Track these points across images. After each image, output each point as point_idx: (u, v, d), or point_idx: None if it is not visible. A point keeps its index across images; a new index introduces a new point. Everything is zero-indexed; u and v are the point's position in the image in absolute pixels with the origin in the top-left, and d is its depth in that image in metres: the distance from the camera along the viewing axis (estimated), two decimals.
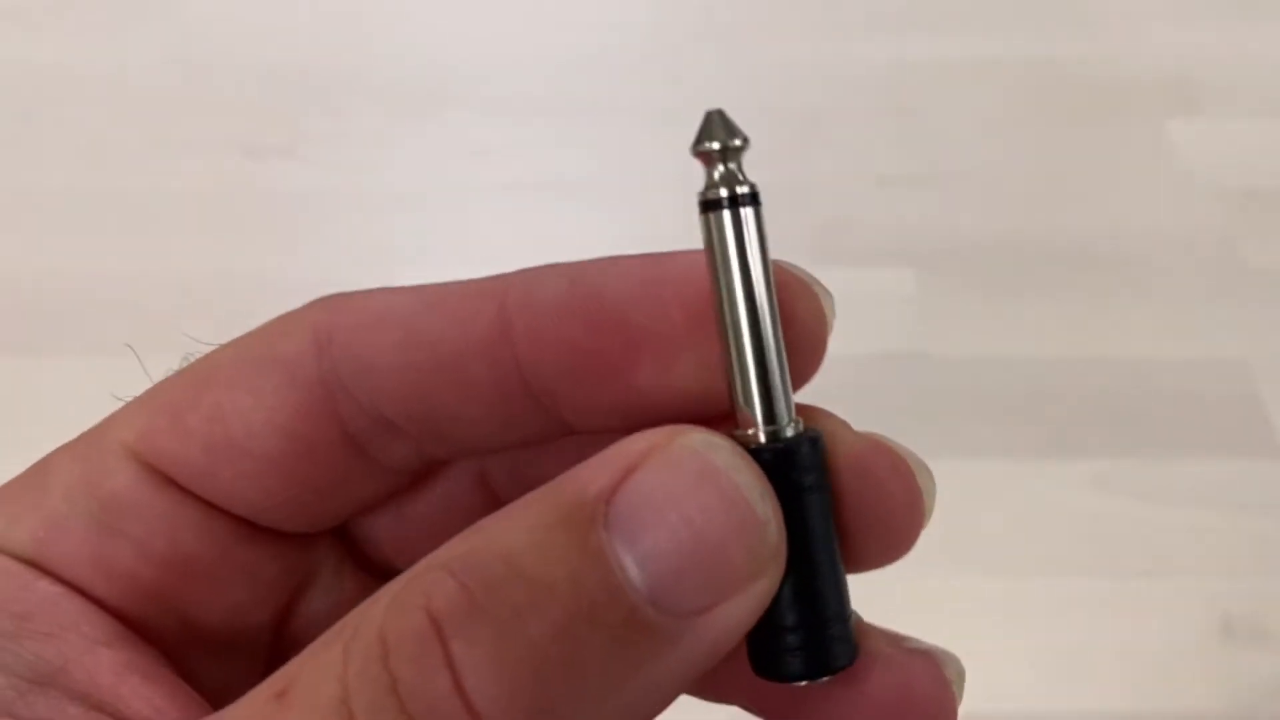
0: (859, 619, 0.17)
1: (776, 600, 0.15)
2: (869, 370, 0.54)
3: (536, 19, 0.75)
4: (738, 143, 0.16)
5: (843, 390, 0.60)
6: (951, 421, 0.54)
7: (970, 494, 0.51)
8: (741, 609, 0.14)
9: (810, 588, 0.15)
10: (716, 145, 0.16)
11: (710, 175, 0.16)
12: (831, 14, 0.75)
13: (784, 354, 0.16)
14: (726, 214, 0.16)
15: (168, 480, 0.17)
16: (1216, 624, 0.47)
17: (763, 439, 0.15)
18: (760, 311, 0.15)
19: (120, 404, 0.18)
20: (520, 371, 0.16)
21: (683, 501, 0.14)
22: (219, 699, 0.15)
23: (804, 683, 0.16)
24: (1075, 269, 0.61)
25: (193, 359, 0.18)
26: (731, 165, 0.16)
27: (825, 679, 0.16)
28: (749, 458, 0.15)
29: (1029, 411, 0.55)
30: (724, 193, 0.16)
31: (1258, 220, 0.63)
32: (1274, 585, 0.49)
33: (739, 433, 0.16)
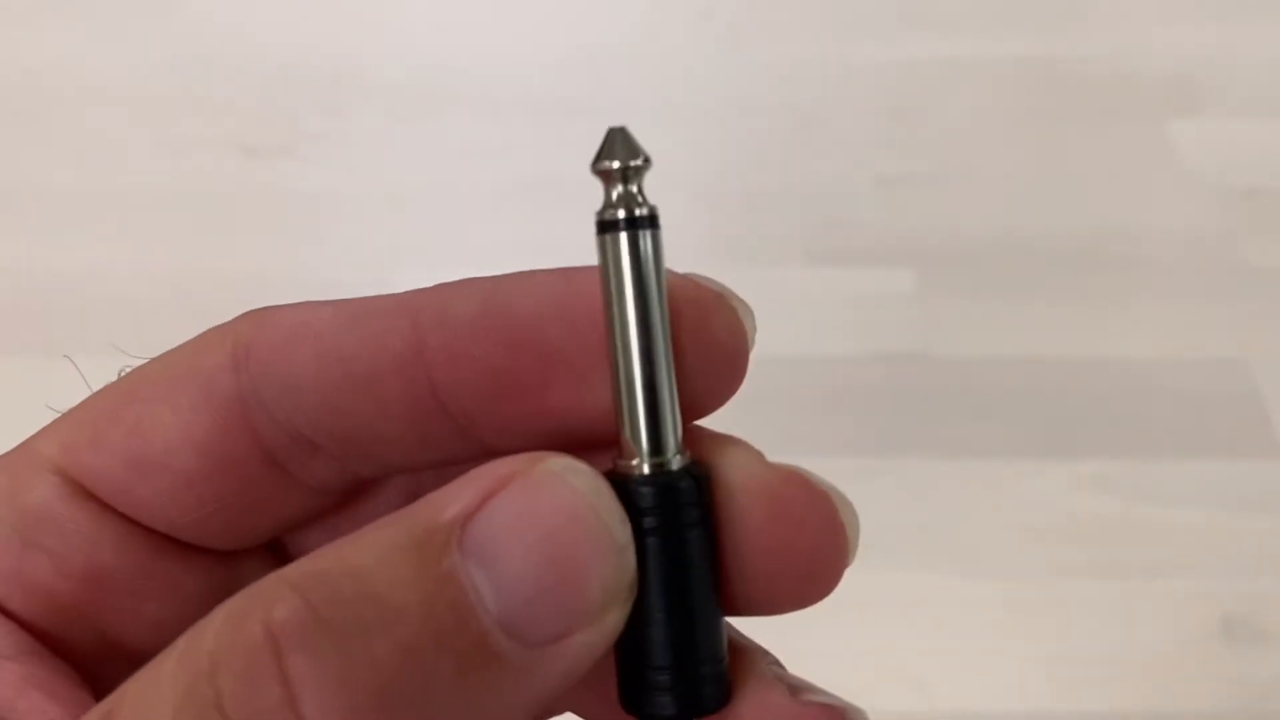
0: (776, 665, 0.16)
1: (647, 637, 0.14)
2: (868, 370, 0.54)
3: (536, 19, 0.75)
4: (638, 162, 0.15)
5: (842, 390, 0.60)
6: (951, 421, 0.54)
7: (970, 494, 0.51)
8: (594, 638, 0.13)
9: (684, 626, 0.15)
10: (616, 164, 0.15)
11: (608, 195, 0.15)
12: (831, 14, 0.75)
13: (673, 384, 0.15)
14: (623, 236, 0.15)
15: (88, 495, 0.17)
16: (1216, 624, 0.47)
17: (646, 470, 0.15)
18: (651, 338, 0.15)
19: (54, 415, 0.18)
20: (435, 390, 0.16)
21: (540, 527, 0.13)
22: None
23: None
24: (1075, 269, 0.61)
25: (128, 371, 0.17)
26: (631, 186, 0.15)
27: None
28: (607, 485, 0.14)
29: (1029, 411, 0.55)
30: (621, 214, 0.15)
31: (1258, 220, 0.63)
32: (1274, 585, 0.49)
33: (621, 463, 0.15)
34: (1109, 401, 0.55)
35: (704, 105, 0.70)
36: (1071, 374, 0.56)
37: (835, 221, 0.62)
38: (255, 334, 0.16)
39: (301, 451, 0.16)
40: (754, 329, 0.16)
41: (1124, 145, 0.67)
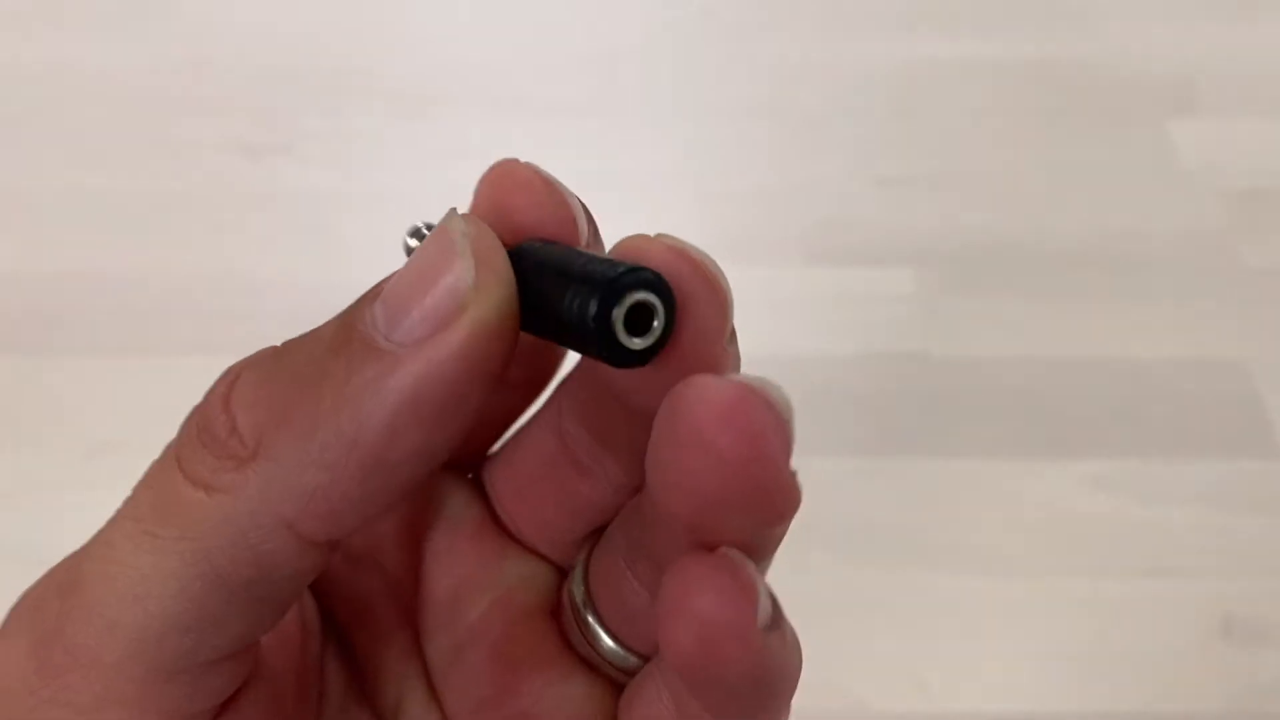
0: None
1: (549, 295, 0.16)
2: (868, 370, 0.54)
3: (536, 19, 0.75)
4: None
5: (841, 390, 0.60)
6: (951, 421, 0.54)
7: (970, 494, 0.51)
8: (459, 335, 0.15)
9: (570, 259, 0.16)
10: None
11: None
12: (832, 14, 0.75)
13: None
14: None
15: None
16: (1217, 624, 0.47)
17: None
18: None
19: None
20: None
21: (415, 253, 0.16)
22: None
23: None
24: (1075, 269, 0.61)
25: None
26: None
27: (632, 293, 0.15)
28: (481, 224, 0.16)
29: (1029, 411, 0.55)
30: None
31: (1258, 220, 0.63)
32: (1274, 585, 0.49)
33: None
34: (1109, 401, 0.55)
35: (704, 105, 0.70)
36: (1071, 374, 0.56)
37: (835, 221, 0.62)
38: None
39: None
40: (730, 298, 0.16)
41: (1124, 145, 0.67)
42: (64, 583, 0.16)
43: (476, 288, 0.15)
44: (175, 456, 0.16)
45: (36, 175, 0.67)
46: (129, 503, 0.16)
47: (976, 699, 0.46)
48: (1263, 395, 0.54)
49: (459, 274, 0.15)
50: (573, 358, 0.18)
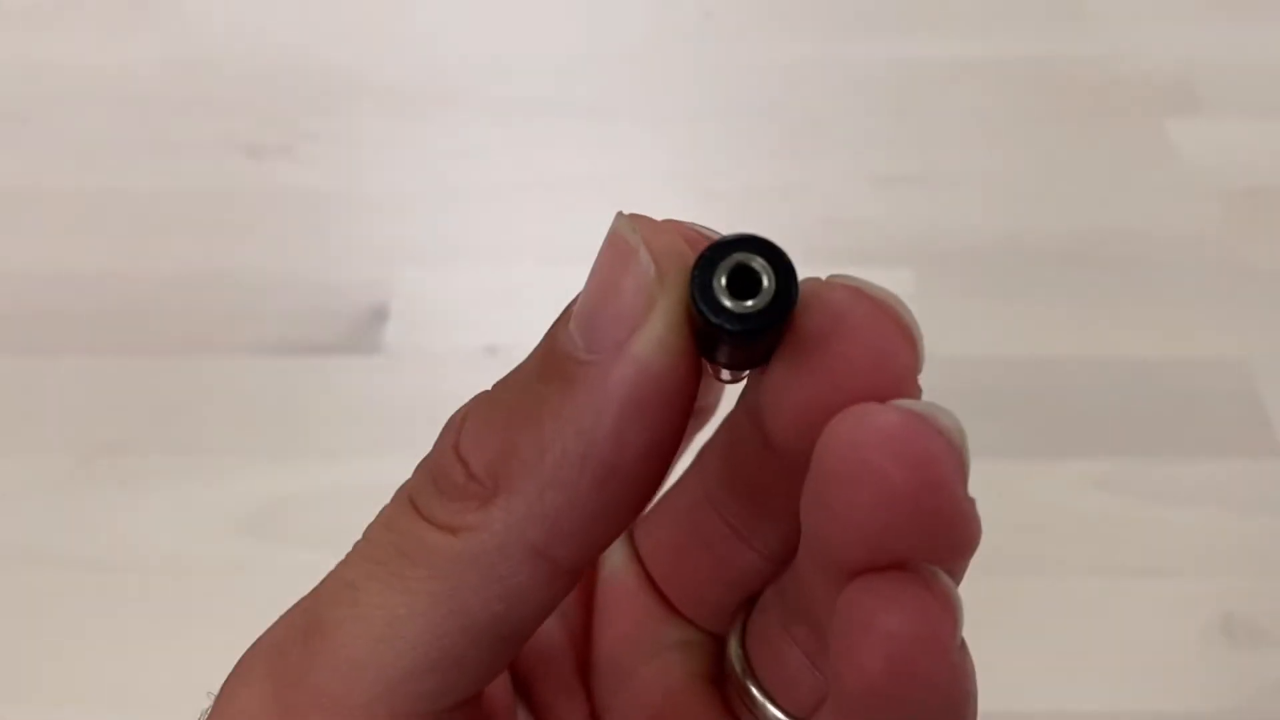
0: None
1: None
2: None
3: (535, 19, 0.75)
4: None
5: None
6: None
7: (971, 494, 0.51)
8: (657, 330, 0.15)
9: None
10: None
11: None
12: (830, 14, 0.75)
13: None
14: None
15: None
16: (1216, 623, 0.47)
17: None
18: None
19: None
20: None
21: (594, 265, 0.16)
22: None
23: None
24: (1074, 269, 0.61)
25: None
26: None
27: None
28: (644, 218, 0.16)
29: (1028, 411, 0.55)
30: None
31: (1257, 219, 0.63)
32: (1274, 585, 0.49)
33: None
34: (1108, 401, 0.55)
35: (703, 104, 0.70)
36: (1070, 373, 0.56)
37: (833, 221, 0.62)
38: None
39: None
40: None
41: (1123, 145, 0.67)
42: (305, 627, 0.16)
43: (660, 279, 0.15)
44: (410, 503, 0.16)
45: (36, 175, 0.67)
46: (365, 545, 0.17)
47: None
48: (1262, 394, 0.55)
49: (640, 271, 0.15)
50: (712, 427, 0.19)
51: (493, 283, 0.59)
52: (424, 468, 0.17)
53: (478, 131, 0.68)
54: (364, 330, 0.57)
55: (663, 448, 0.16)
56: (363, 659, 0.16)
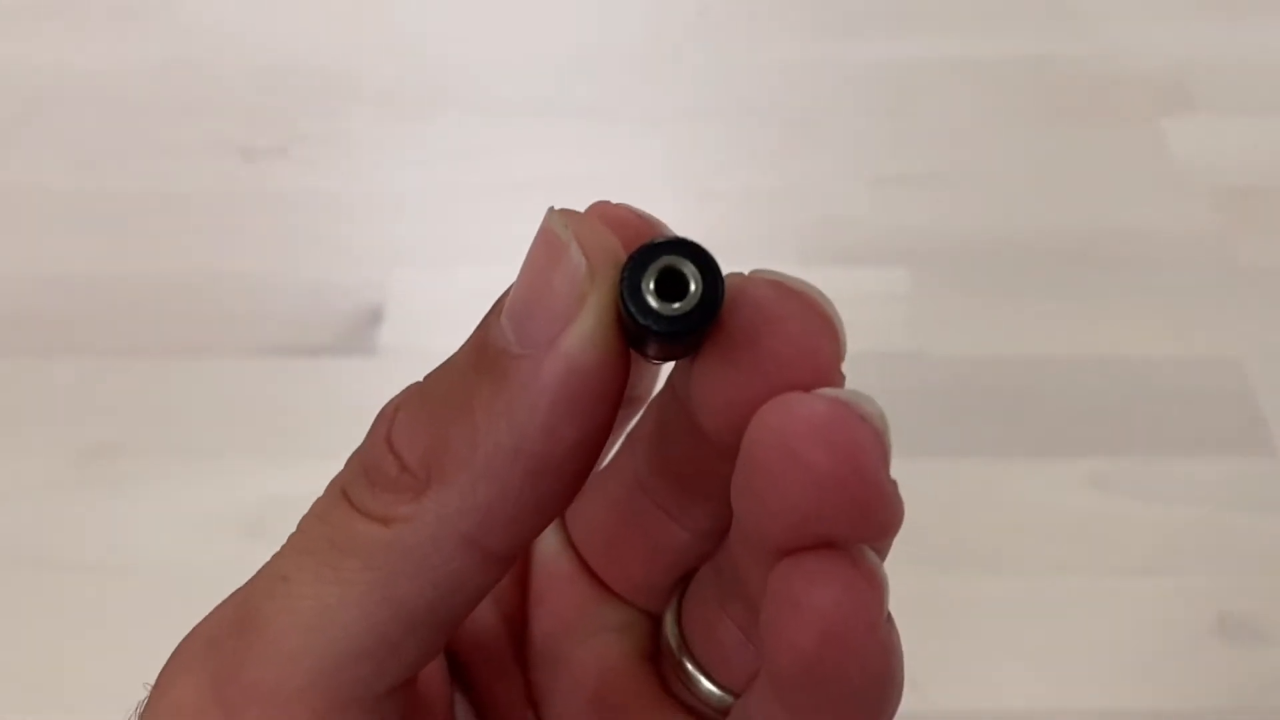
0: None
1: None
2: (864, 369, 0.54)
3: (532, 19, 0.75)
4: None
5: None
6: (947, 421, 0.54)
7: (966, 494, 0.51)
8: (588, 326, 0.15)
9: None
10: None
11: None
12: (826, 14, 0.75)
13: None
14: None
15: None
16: (1212, 622, 0.48)
17: None
18: None
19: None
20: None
21: (525, 259, 0.16)
22: None
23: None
24: (1070, 268, 0.61)
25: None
26: None
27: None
28: (577, 213, 0.16)
29: (1024, 411, 0.55)
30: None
31: (1253, 218, 0.63)
32: (1269, 583, 0.49)
33: None
34: (1103, 400, 0.55)
35: (698, 104, 0.70)
36: (1066, 373, 0.56)
37: (830, 221, 0.62)
38: None
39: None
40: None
41: (1118, 144, 0.67)
42: (238, 619, 0.17)
43: (591, 276, 0.15)
44: (343, 494, 0.17)
45: (31, 176, 0.66)
46: (298, 537, 0.17)
47: (973, 698, 0.46)
48: (1257, 393, 0.55)
49: (571, 268, 0.15)
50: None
51: (487, 284, 0.59)
52: (356, 459, 0.17)
53: (472, 132, 0.68)
54: (359, 332, 0.57)
55: (593, 440, 0.16)
56: (296, 649, 0.16)
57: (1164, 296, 0.59)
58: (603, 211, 0.18)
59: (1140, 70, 0.71)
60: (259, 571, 0.17)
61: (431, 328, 0.57)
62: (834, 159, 0.66)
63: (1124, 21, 0.74)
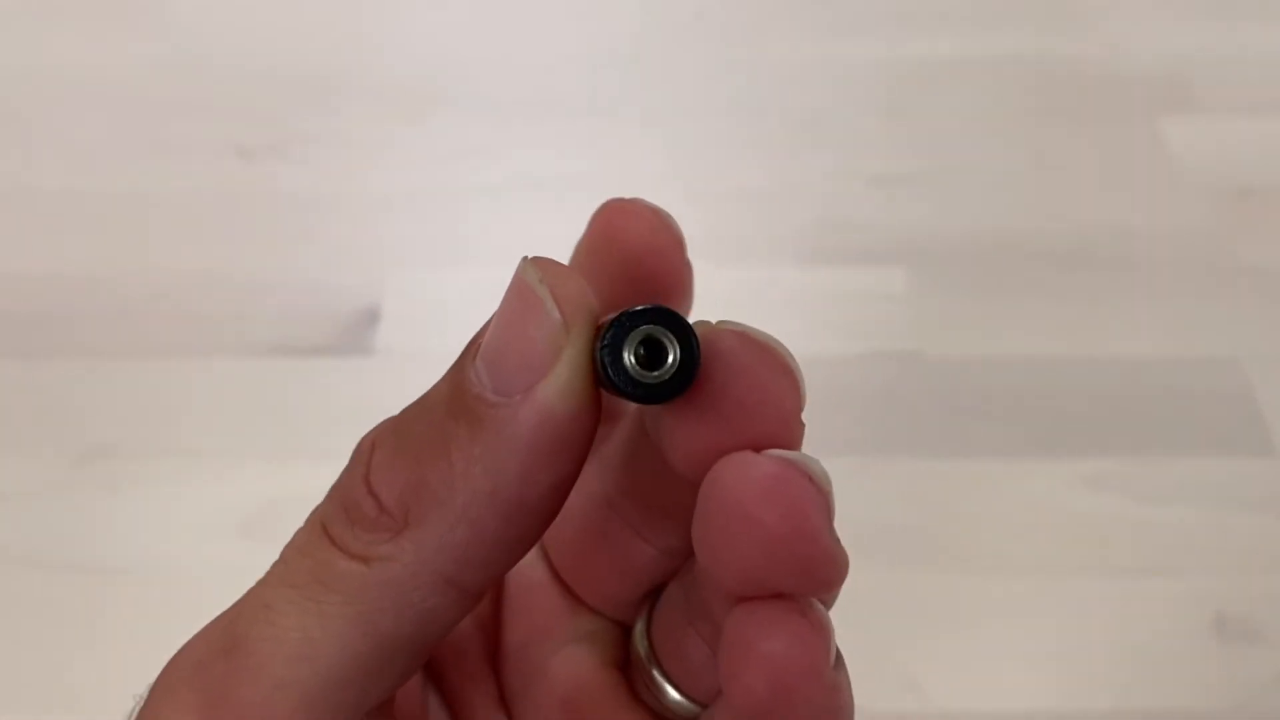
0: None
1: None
2: (862, 369, 0.54)
3: (531, 19, 0.75)
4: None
5: (836, 390, 0.60)
6: (944, 421, 0.54)
7: (963, 494, 0.51)
8: (563, 377, 0.16)
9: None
10: None
11: None
12: (824, 14, 0.75)
13: None
14: None
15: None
16: (1209, 622, 0.47)
17: None
18: None
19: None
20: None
21: (500, 308, 0.17)
22: None
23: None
24: (1068, 267, 0.61)
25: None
26: None
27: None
28: (554, 264, 0.17)
29: (1022, 411, 0.55)
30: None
31: (1252, 218, 0.63)
32: (1267, 583, 0.49)
33: None
34: (1102, 400, 0.55)
35: (696, 104, 0.70)
36: (1065, 373, 0.56)
37: (827, 221, 0.62)
38: None
39: None
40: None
41: (1117, 143, 0.67)
42: (225, 645, 0.17)
43: (566, 328, 0.16)
44: (324, 530, 0.17)
45: (29, 176, 0.66)
46: (282, 568, 0.18)
47: (972, 698, 0.46)
48: (1257, 393, 0.55)
49: (547, 322, 0.16)
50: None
51: (484, 284, 0.59)
52: (335, 496, 0.18)
53: (469, 132, 0.68)
54: (356, 332, 0.57)
55: (567, 482, 0.17)
56: (282, 677, 0.17)
57: (1163, 296, 0.59)
58: (617, 208, 0.19)
59: (1140, 69, 0.71)
60: (244, 597, 0.18)
61: (429, 328, 0.57)
62: (833, 159, 0.66)
63: (1124, 21, 0.74)
